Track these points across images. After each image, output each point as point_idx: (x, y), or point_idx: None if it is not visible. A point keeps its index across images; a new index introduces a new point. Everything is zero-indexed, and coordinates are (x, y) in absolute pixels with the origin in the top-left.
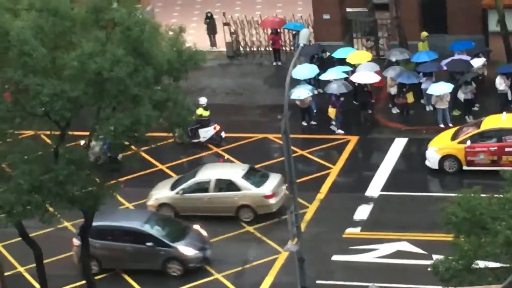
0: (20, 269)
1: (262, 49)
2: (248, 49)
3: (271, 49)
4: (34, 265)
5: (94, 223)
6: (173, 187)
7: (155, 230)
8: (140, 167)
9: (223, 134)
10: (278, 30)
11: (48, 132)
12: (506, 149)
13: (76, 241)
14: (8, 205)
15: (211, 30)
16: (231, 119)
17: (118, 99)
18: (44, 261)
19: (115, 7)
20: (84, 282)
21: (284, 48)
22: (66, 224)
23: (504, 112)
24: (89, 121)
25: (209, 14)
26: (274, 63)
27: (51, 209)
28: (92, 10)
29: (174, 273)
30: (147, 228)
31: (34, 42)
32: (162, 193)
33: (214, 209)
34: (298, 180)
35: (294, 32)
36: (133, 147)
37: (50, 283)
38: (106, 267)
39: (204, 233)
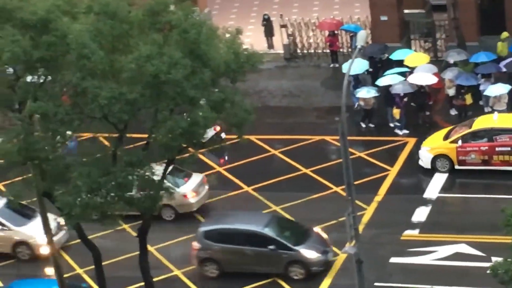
0: (79, 270)
1: (319, 51)
2: (305, 51)
3: (328, 51)
4: (93, 267)
5: (214, 226)
6: None
7: (277, 233)
8: (198, 169)
9: (223, 135)
10: (336, 32)
11: (106, 135)
12: (497, 149)
13: (195, 245)
14: (67, 207)
15: (268, 32)
16: (288, 121)
17: (176, 101)
18: (103, 263)
19: (172, 9)
20: (142, 283)
21: (341, 50)
22: (124, 226)
23: (496, 112)
24: (147, 123)
25: (266, 16)
26: (331, 65)
27: (109, 211)
28: (149, 13)
29: (296, 276)
30: (268, 231)
31: (92, 45)
32: None
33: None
34: (355, 182)
35: (351, 34)
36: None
37: (108, 285)
38: (227, 270)
39: (325, 235)
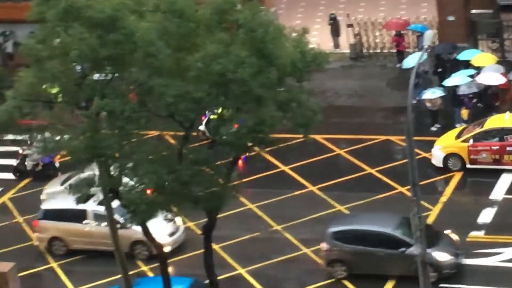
0: (144, 268)
1: (386, 50)
2: (371, 51)
3: (394, 51)
4: (158, 264)
5: (344, 227)
6: (63, 183)
7: (408, 235)
8: (263, 168)
9: None
10: (402, 32)
11: (172, 133)
12: (508, 148)
13: (324, 245)
14: (133, 205)
15: (335, 31)
16: (354, 121)
17: (242, 100)
18: (168, 261)
19: (239, 8)
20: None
21: (407, 50)
22: (190, 224)
23: (508, 112)
24: (213, 121)
25: (332, 16)
26: (398, 65)
27: (174, 209)
28: (217, 11)
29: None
30: (400, 233)
31: (159, 43)
32: (52, 187)
33: None
34: (421, 183)
35: (418, 34)
36: (256, 148)
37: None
38: (356, 271)
39: (456, 238)
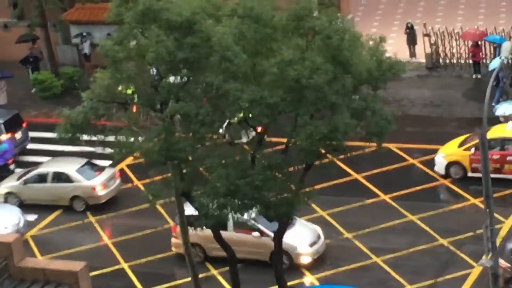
0: (214, 271)
1: (462, 61)
2: (447, 61)
3: (471, 61)
4: (227, 267)
5: None
6: (18, 178)
7: None
8: (336, 175)
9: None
10: (479, 43)
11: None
12: (508, 158)
13: (502, 263)
14: (204, 208)
15: (411, 40)
16: (429, 130)
17: (316, 106)
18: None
19: (316, 15)
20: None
21: (484, 61)
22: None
23: (510, 122)
24: (286, 127)
25: (409, 25)
26: (474, 76)
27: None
28: (293, 18)
29: None
30: None
31: (235, 48)
32: (8, 183)
33: (51, 198)
34: (494, 195)
35: (495, 45)
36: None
37: (242, 286)
38: None
39: None
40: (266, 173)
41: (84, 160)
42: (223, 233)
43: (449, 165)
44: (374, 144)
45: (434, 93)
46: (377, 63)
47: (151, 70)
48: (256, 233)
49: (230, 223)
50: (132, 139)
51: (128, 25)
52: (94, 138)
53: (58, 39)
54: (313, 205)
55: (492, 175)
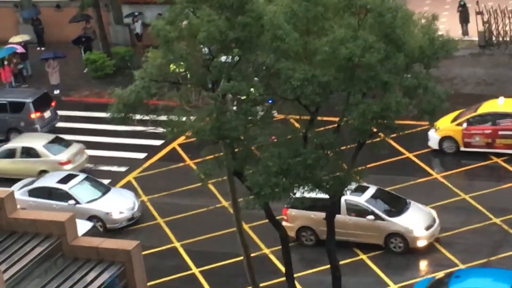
0: (266, 250)
1: None
2: (500, 39)
3: None
4: (279, 247)
5: None
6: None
7: None
8: (387, 154)
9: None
10: None
11: (298, 117)
12: (500, 133)
13: None
14: (256, 187)
15: (464, 18)
16: None
17: (368, 85)
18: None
19: None
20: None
21: None
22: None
23: (502, 97)
24: (339, 106)
25: (462, 3)
26: None
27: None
28: None
29: None
30: None
31: (287, 27)
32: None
33: (19, 173)
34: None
35: None
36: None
37: (294, 265)
38: None
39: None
40: (318, 152)
41: (52, 136)
42: (337, 217)
43: (442, 140)
44: (426, 122)
45: (487, 71)
46: (429, 41)
47: (202, 50)
48: (370, 217)
49: (343, 207)
50: (184, 118)
51: (180, 4)
52: (146, 118)
53: (110, 19)
54: (365, 184)
55: (484, 150)
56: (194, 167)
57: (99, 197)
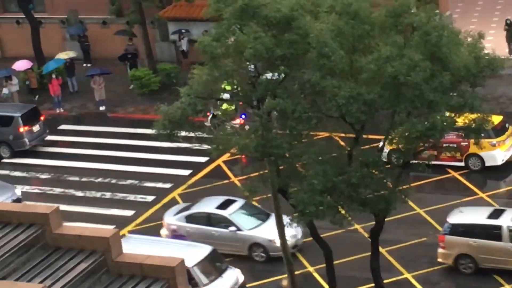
0: (310, 268)
1: None
2: None
3: None
4: (324, 265)
5: None
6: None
7: None
8: (432, 172)
9: (247, 127)
10: None
11: (343, 134)
12: (444, 145)
13: None
14: (301, 205)
15: (510, 37)
16: None
17: (414, 104)
18: (334, 262)
19: (414, 11)
20: (372, 285)
21: None
22: (357, 226)
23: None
24: (383, 124)
25: (508, 21)
26: None
27: (342, 210)
28: (392, 14)
29: None
30: None
31: (333, 44)
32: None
33: None
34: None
35: None
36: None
37: (338, 284)
38: None
39: None
40: (363, 170)
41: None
42: (498, 244)
43: (390, 152)
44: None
45: None
46: (475, 59)
47: (248, 67)
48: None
49: (505, 233)
50: (229, 136)
51: (227, 21)
52: (191, 134)
53: (156, 36)
54: (410, 203)
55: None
56: (239, 184)
57: (261, 224)
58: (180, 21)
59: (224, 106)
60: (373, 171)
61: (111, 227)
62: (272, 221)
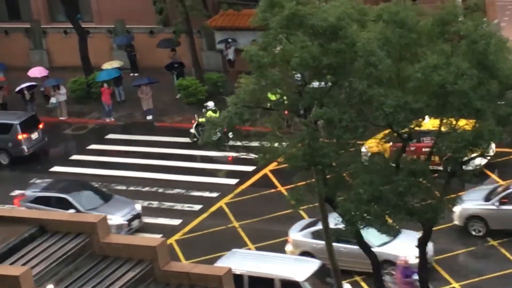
0: (357, 278)
1: None
2: None
3: None
4: (370, 271)
5: None
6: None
7: None
8: (480, 181)
9: (230, 135)
10: None
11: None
12: (424, 150)
13: None
14: (347, 214)
15: None
16: None
17: (461, 112)
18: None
19: (462, 20)
20: None
21: None
22: None
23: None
24: (430, 133)
25: None
26: None
27: (389, 220)
28: (439, 22)
29: None
30: None
31: (380, 53)
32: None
33: None
34: None
35: None
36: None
37: None
38: None
39: None
40: (410, 179)
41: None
42: None
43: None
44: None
45: None
46: None
47: (295, 76)
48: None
49: None
50: (276, 144)
51: (274, 30)
52: (238, 143)
53: (203, 45)
54: None
55: None
56: (286, 193)
57: (391, 240)
58: (227, 30)
59: (208, 113)
60: (421, 180)
61: (158, 236)
62: (403, 237)
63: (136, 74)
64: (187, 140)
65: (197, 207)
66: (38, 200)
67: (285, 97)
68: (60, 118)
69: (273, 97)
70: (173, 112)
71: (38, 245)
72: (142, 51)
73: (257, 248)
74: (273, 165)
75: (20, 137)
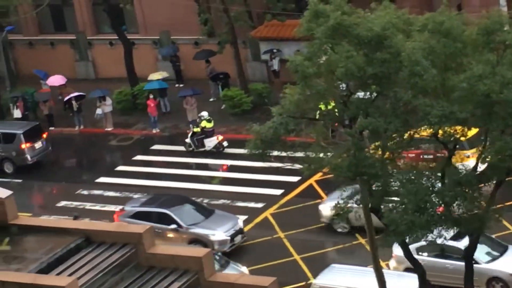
0: None
1: None
2: None
3: None
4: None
5: None
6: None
7: None
8: None
9: (225, 143)
10: None
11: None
12: (422, 156)
13: None
14: (393, 224)
15: None
16: None
17: (507, 121)
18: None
19: (507, 29)
20: None
21: None
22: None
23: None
24: (476, 143)
25: None
26: None
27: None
28: (484, 32)
29: None
30: None
31: (425, 63)
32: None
33: None
34: None
35: None
36: None
37: None
38: None
39: None
40: (456, 189)
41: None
42: None
43: None
44: None
45: None
46: None
47: (340, 86)
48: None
49: None
50: (321, 155)
51: (318, 40)
52: (283, 154)
53: (247, 56)
54: (504, 222)
55: None
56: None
57: (499, 256)
58: (271, 40)
59: (203, 123)
60: (466, 190)
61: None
62: (510, 253)
63: (181, 85)
64: (231, 150)
65: (243, 217)
66: (138, 215)
67: (335, 108)
68: (106, 129)
69: (323, 107)
70: (218, 122)
71: (84, 256)
72: (186, 62)
73: (302, 259)
74: (318, 176)
75: (23, 146)
